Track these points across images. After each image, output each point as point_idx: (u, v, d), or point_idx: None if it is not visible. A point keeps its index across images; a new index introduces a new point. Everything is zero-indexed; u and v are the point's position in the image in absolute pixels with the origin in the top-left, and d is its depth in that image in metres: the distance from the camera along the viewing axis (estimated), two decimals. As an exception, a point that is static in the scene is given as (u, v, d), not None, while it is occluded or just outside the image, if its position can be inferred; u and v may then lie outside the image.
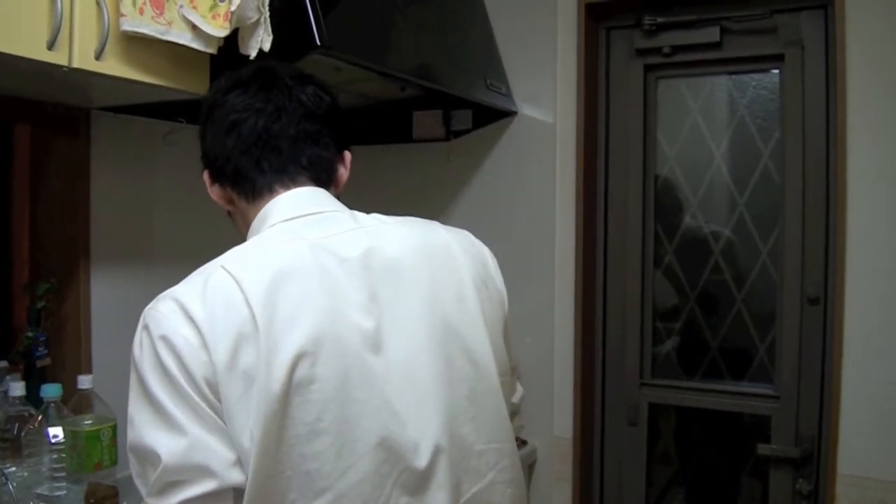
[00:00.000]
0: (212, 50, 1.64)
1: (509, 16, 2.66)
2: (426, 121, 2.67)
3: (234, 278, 1.08)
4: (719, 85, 2.60)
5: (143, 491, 1.05)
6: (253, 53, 1.64)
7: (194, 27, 1.58)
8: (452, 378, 1.17)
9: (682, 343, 2.68)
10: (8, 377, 1.83)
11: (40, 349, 1.91)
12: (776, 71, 2.48)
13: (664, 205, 2.66)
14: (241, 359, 1.03)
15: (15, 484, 1.60)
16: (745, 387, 2.55)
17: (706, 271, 2.61)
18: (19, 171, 2.15)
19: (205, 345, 1.03)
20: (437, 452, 1.12)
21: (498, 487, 1.22)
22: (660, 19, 2.53)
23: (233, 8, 1.58)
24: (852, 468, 2.22)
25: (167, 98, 1.80)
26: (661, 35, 2.56)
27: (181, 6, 1.56)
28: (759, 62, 2.50)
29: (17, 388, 1.70)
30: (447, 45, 2.37)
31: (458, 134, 2.72)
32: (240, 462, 1.02)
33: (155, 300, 1.12)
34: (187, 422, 1.01)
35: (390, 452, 1.08)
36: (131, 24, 1.50)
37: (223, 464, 1.01)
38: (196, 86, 1.72)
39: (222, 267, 1.12)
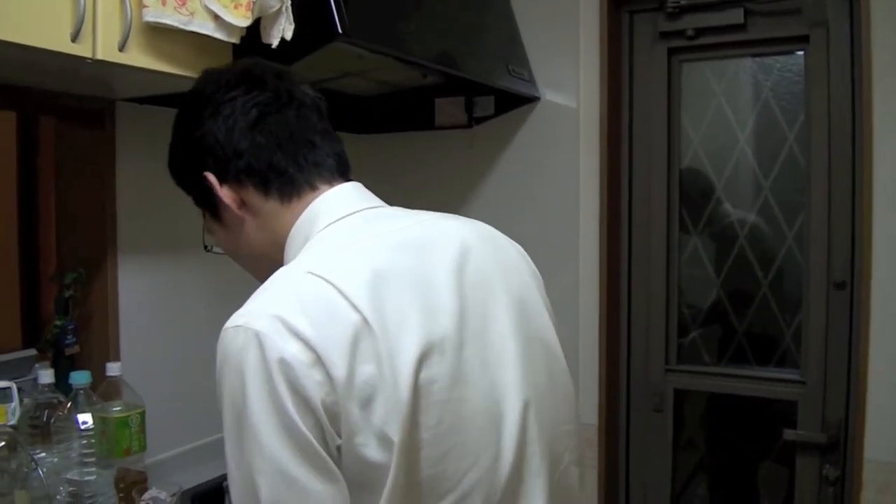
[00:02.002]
0: (234, 39, 1.65)
1: (531, 0, 2.65)
2: (448, 108, 2.67)
3: (329, 283, 0.98)
4: (743, 68, 2.58)
5: None
6: (275, 42, 1.65)
7: (217, 17, 1.59)
8: (534, 363, 1.14)
9: (708, 328, 2.67)
10: (37, 365, 1.86)
11: (69, 337, 1.93)
12: (801, 53, 2.46)
13: (689, 190, 2.65)
14: (359, 368, 0.94)
15: (45, 469, 1.61)
16: (772, 372, 2.54)
17: (732, 256, 2.60)
18: (45, 162, 2.17)
19: (318, 361, 0.93)
20: (531, 442, 1.10)
21: (571, 469, 1.21)
22: (683, 2, 2.51)
23: (254, -3, 1.59)
24: (879, 454, 2.21)
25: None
26: (685, 17, 2.54)
27: (203, -4, 1.57)
28: (784, 44, 2.48)
29: (47, 376, 1.72)
30: (469, 32, 2.37)
31: (480, 120, 2.72)
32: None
33: (238, 325, 0.99)
34: (295, 459, 0.92)
35: (498, 447, 1.05)
36: (154, 14, 1.51)
37: (322, 498, 0.93)
38: (219, 75, 1.73)
39: (310, 273, 1.01)
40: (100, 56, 1.47)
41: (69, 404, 1.72)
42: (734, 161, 2.59)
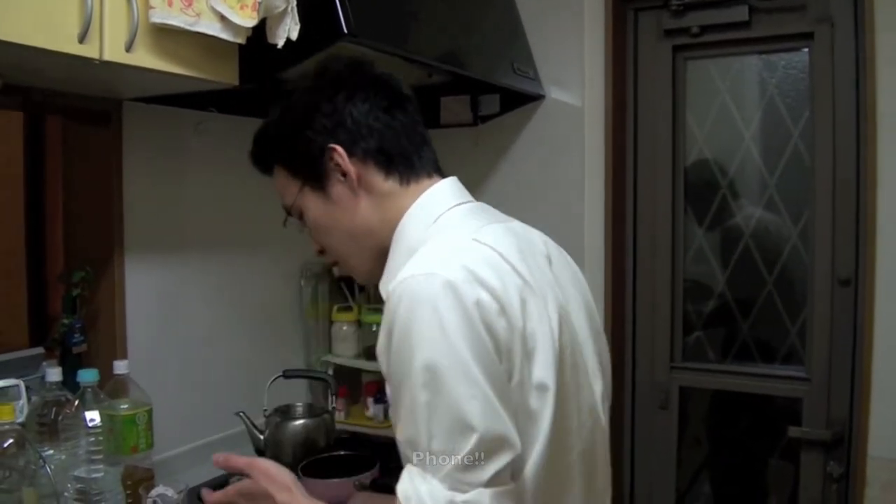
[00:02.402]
0: (240, 40, 1.65)
1: (536, -1, 2.66)
2: (454, 106, 2.67)
3: (493, 249, 1.12)
4: (748, 65, 2.58)
5: (441, 469, 1.02)
6: (281, 42, 1.66)
7: (223, 18, 1.60)
8: (601, 354, 1.30)
9: (713, 326, 2.67)
10: (44, 363, 1.87)
11: (76, 336, 1.95)
12: (805, 50, 2.46)
13: (695, 187, 2.65)
14: (528, 323, 1.08)
15: (53, 467, 1.62)
16: (776, 369, 2.55)
17: (737, 253, 2.60)
18: (51, 161, 2.19)
19: (503, 310, 1.06)
20: (603, 413, 1.27)
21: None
22: (687, -1, 2.52)
23: (260, -2, 1.60)
24: (883, 451, 2.22)
25: (197, 88, 1.82)
26: (689, 15, 2.55)
27: (209, -3, 1.58)
28: (789, 41, 2.48)
29: (54, 374, 1.73)
30: (474, 30, 2.38)
31: (485, 119, 2.73)
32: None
33: (430, 272, 1.06)
34: (493, 392, 1.02)
35: (594, 414, 1.22)
36: (160, 15, 1.52)
37: (514, 434, 1.03)
38: (225, 75, 1.74)
39: (476, 240, 1.14)
40: (107, 57, 1.49)
41: (77, 402, 1.73)
42: (739, 158, 2.59)
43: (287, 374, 2.26)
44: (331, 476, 1.91)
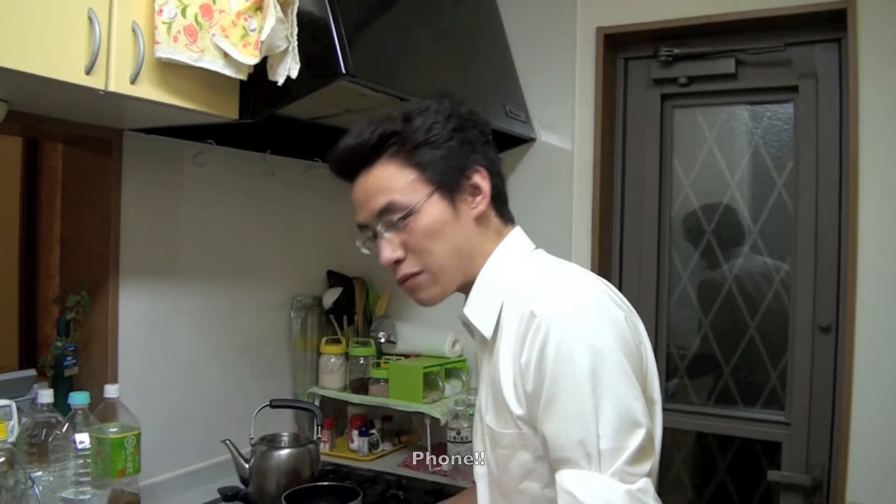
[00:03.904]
0: (242, 76, 1.71)
1: (529, 45, 2.71)
2: (447, 145, 2.72)
3: (601, 280, 1.30)
4: (735, 115, 2.64)
5: (613, 463, 1.12)
6: (281, 80, 1.71)
7: (226, 55, 1.65)
8: None
9: (696, 369, 2.71)
10: (36, 385, 1.90)
11: (69, 359, 1.97)
12: (790, 102, 2.52)
13: (680, 233, 2.70)
14: (641, 342, 1.28)
15: (41, 488, 1.64)
16: (757, 413, 2.58)
17: (720, 298, 2.64)
18: (48, 186, 2.22)
19: (631, 329, 1.23)
20: None
21: None
22: (676, 50, 2.58)
23: (263, 37, 1.65)
24: (861, 497, 2.24)
25: (198, 121, 1.87)
26: (678, 65, 2.61)
27: (214, 35, 1.63)
28: (774, 93, 2.54)
29: (46, 396, 1.75)
30: (468, 73, 2.43)
31: (477, 159, 2.77)
32: None
33: (580, 292, 1.23)
34: (639, 391, 1.18)
35: None
36: (166, 51, 1.57)
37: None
38: (226, 110, 1.79)
39: (585, 273, 1.32)
40: (112, 88, 1.53)
41: (67, 424, 1.75)
42: (724, 205, 2.64)
43: (274, 404, 2.28)
44: (314, 505, 1.92)
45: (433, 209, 1.31)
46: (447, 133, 1.32)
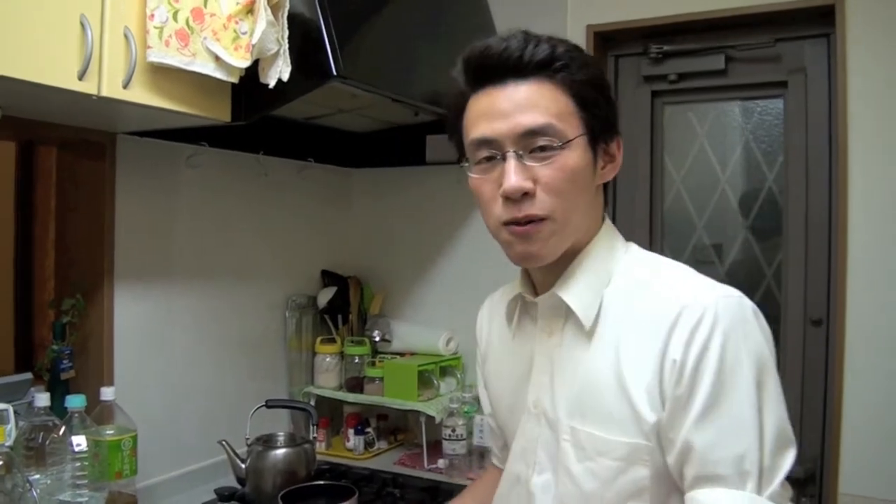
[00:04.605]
0: (233, 79, 1.72)
1: (520, 43, 2.72)
2: (439, 144, 2.72)
3: None
4: (725, 111, 2.66)
5: (771, 483, 1.02)
6: (272, 83, 1.72)
7: (217, 58, 1.66)
8: None
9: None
10: (32, 389, 1.90)
11: (65, 362, 1.98)
12: (780, 97, 2.54)
13: (672, 227, 2.72)
14: None
15: (38, 490, 1.64)
16: (750, 406, 2.58)
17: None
18: (42, 190, 2.22)
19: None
20: None
21: None
22: (666, 47, 2.60)
23: (254, 40, 1.66)
24: (854, 487, 2.26)
25: (190, 124, 1.89)
26: (668, 62, 2.63)
27: (205, 38, 1.64)
28: (764, 89, 2.56)
29: (42, 399, 1.75)
30: (459, 72, 2.44)
31: (470, 157, 2.77)
32: None
33: (739, 295, 1.10)
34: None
35: None
36: (157, 55, 1.58)
37: None
38: (218, 113, 1.80)
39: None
40: (105, 93, 1.54)
41: (63, 427, 1.75)
42: (715, 200, 2.66)
43: (269, 404, 2.28)
44: (311, 504, 1.93)
45: (581, 152, 1.14)
46: (609, 89, 1.20)
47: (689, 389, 1.04)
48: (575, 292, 1.18)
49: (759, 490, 1.01)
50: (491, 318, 1.47)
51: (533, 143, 1.12)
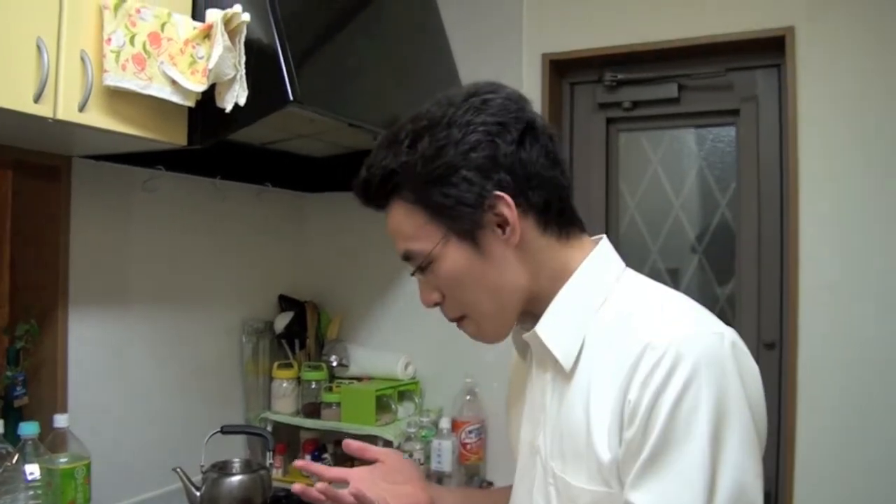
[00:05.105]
0: (190, 103, 1.72)
1: (477, 70, 2.73)
2: (396, 170, 2.74)
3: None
4: (678, 138, 2.71)
5: None
6: (229, 107, 1.72)
7: (174, 82, 1.66)
8: None
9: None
10: (-16, 416, 1.87)
11: (18, 389, 1.95)
12: (732, 125, 2.59)
13: (627, 253, 2.74)
14: (764, 403, 1.02)
15: (-9, 520, 1.63)
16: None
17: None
18: (-1, 214, 2.20)
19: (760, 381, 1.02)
20: None
21: None
22: (620, 76, 2.64)
23: (210, 65, 1.67)
24: (807, 508, 2.29)
25: (147, 148, 1.88)
26: (622, 90, 2.67)
27: (162, 62, 1.64)
28: (716, 117, 2.61)
29: (-5, 427, 1.73)
30: (417, 98, 2.43)
31: (428, 181, 2.79)
32: None
33: (716, 332, 0.99)
34: (761, 466, 0.96)
35: None
36: (114, 79, 1.58)
37: None
38: (174, 136, 1.80)
39: (700, 307, 1.08)
40: (60, 116, 1.54)
41: (17, 455, 1.73)
42: (669, 226, 2.70)
43: (225, 430, 2.27)
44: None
45: (452, 255, 1.09)
46: (458, 156, 1.07)
47: (641, 433, 0.95)
48: (550, 333, 1.11)
49: None
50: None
51: (413, 265, 1.14)
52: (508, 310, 1.13)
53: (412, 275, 1.15)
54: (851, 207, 2.29)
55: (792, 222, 2.35)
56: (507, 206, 1.06)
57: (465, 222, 1.08)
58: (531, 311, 1.14)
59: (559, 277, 1.12)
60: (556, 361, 1.10)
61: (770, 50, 2.42)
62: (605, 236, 1.18)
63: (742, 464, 0.93)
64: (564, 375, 1.10)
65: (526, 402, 1.23)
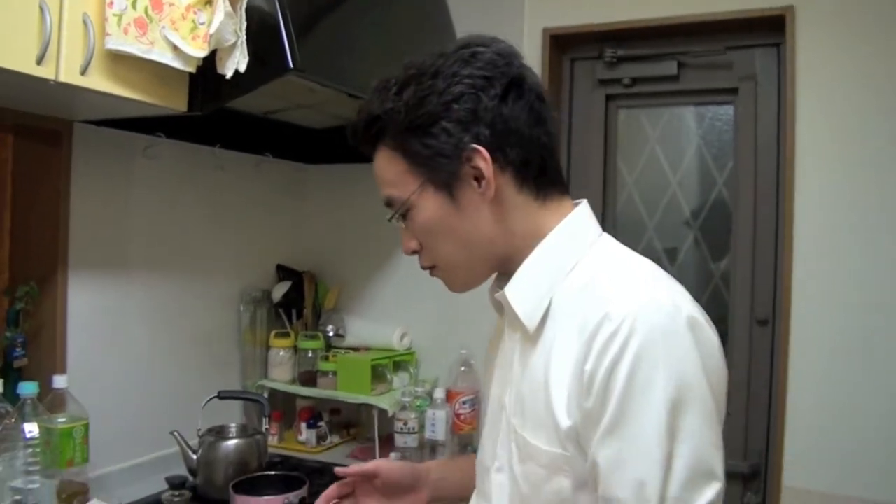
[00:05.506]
0: (191, 69, 1.73)
1: (478, 43, 2.75)
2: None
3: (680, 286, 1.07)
4: (677, 115, 2.72)
5: None
6: (229, 74, 1.74)
7: (175, 48, 1.67)
8: None
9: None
10: (-17, 376, 1.90)
11: (18, 350, 1.97)
12: (731, 104, 2.60)
13: (623, 229, 2.77)
14: (725, 375, 1.03)
15: (-10, 477, 1.65)
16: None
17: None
18: (-1, 178, 2.21)
19: (722, 353, 1.02)
20: None
21: None
22: (620, 52, 2.65)
23: (212, 31, 1.68)
24: (797, 481, 2.33)
25: (147, 113, 1.89)
26: (622, 67, 2.68)
27: (163, 27, 1.65)
28: (715, 95, 2.62)
29: (-6, 386, 1.75)
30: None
31: (427, 154, 2.80)
32: None
33: (672, 303, 0.99)
34: (720, 438, 0.98)
35: None
36: (116, 42, 1.59)
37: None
38: (175, 102, 1.81)
39: (667, 276, 1.09)
40: (62, 79, 1.55)
41: (16, 414, 1.75)
42: (665, 203, 2.71)
43: (222, 395, 2.29)
44: (262, 494, 1.94)
45: (427, 203, 1.13)
46: (440, 106, 1.09)
47: (598, 404, 0.96)
48: (516, 294, 1.12)
49: None
50: None
51: (394, 212, 1.17)
52: (478, 263, 1.17)
53: (389, 220, 1.18)
54: (847, 187, 2.30)
55: (787, 201, 2.37)
56: (482, 160, 1.08)
57: (443, 173, 1.10)
58: (506, 271, 1.16)
59: (533, 238, 1.13)
60: (522, 324, 1.12)
61: (770, 29, 2.43)
62: (585, 201, 1.20)
63: (700, 434, 0.94)
64: (529, 337, 1.12)
65: (498, 359, 1.25)
